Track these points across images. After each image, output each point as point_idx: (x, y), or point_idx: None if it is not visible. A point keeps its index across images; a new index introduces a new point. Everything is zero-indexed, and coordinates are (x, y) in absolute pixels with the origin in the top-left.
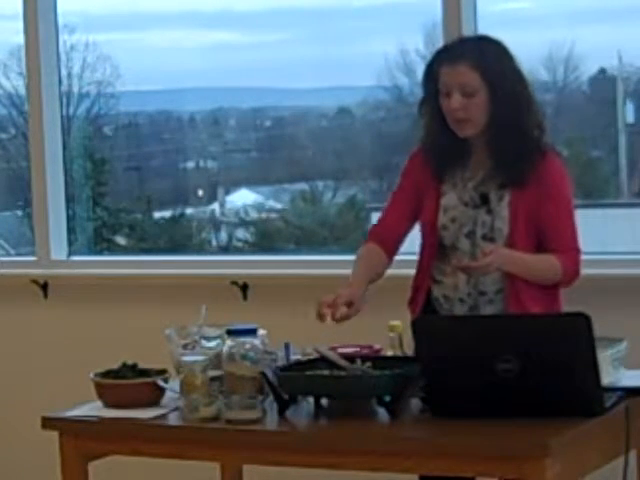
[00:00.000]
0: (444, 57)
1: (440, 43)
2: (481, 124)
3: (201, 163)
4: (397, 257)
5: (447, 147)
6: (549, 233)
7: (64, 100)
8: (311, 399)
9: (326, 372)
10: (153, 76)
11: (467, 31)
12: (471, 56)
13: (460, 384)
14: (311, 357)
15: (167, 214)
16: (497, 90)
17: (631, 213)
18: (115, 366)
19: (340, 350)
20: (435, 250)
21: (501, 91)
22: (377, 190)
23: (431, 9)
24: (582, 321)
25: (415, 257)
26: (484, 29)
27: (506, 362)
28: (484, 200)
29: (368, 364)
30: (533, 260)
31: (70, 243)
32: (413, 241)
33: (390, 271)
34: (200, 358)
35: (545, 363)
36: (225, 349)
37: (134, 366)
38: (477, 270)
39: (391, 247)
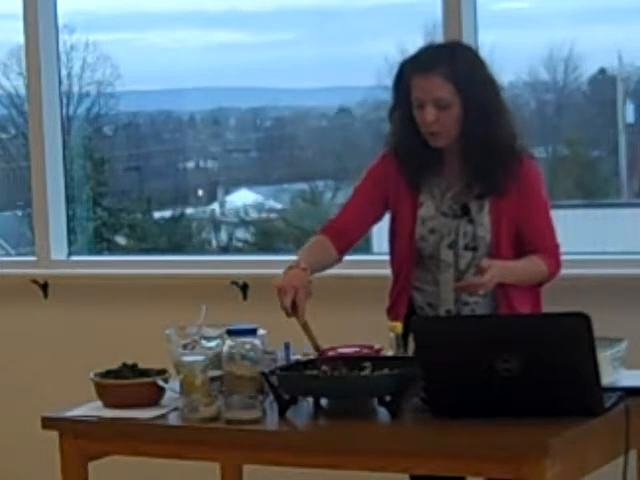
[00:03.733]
0: (416, 67)
1: None
2: (454, 134)
3: (201, 163)
4: None
5: (421, 156)
6: (531, 236)
7: (64, 100)
8: (311, 399)
9: (326, 372)
10: (153, 76)
11: (467, 31)
12: (444, 67)
13: (460, 384)
14: (311, 357)
15: (167, 214)
16: (470, 101)
17: (631, 213)
18: (115, 366)
19: (340, 350)
20: (414, 260)
21: (474, 101)
22: None
23: (431, 9)
24: (582, 321)
25: None
26: (484, 29)
27: (506, 362)
28: (465, 210)
29: (368, 364)
30: (523, 266)
31: (70, 243)
32: None
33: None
34: (200, 358)
35: (545, 363)
36: (225, 349)
37: (134, 366)
38: (480, 287)
39: (345, 247)
